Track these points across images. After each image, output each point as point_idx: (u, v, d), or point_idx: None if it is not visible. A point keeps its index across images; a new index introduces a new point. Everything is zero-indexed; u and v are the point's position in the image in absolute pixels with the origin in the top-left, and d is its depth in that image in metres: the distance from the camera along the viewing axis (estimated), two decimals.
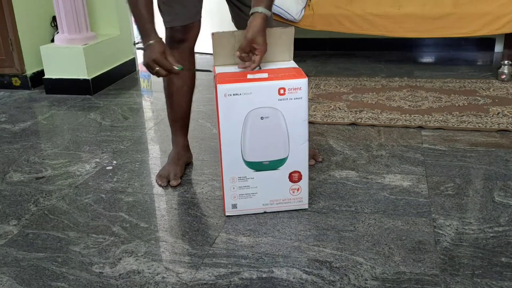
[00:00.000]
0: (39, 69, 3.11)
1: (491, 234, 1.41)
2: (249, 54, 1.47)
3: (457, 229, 1.44)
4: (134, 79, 3.28)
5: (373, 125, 2.24)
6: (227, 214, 1.54)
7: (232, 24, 1.82)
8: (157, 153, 2.08)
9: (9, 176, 1.90)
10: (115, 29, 3.24)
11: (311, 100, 2.60)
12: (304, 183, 1.52)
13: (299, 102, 1.42)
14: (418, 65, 3.32)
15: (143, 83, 3.23)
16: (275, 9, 3.01)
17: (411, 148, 1.99)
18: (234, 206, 1.53)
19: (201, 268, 1.31)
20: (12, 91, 3.08)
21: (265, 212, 1.55)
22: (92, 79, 2.94)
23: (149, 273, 1.30)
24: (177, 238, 1.45)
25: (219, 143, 1.46)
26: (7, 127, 2.45)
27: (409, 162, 1.87)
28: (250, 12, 1.47)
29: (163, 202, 1.67)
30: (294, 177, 1.51)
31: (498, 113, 2.32)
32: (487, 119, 2.25)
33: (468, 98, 2.55)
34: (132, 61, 3.43)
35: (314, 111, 2.42)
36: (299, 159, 1.49)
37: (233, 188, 1.50)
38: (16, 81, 3.09)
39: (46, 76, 2.97)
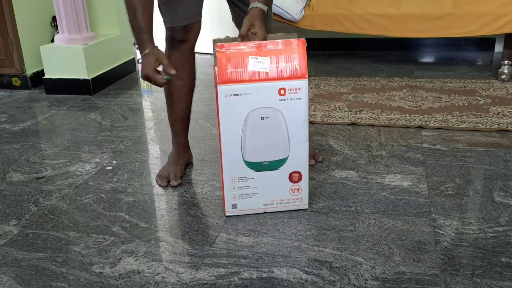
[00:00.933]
0: (39, 69, 3.11)
1: (491, 234, 1.41)
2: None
3: (457, 229, 1.44)
4: (134, 79, 3.28)
5: (373, 125, 2.24)
6: (227, 214, 1.54)
7: (232, 24, 1.82)
8: (157, 153, 2.08)
9: (9, 176, 1.91)
10: (115, 29, 3.24)
11: (311, 100, 2.60)
12: (304, 184, 1.52)
13: (299, 103, 1.42)
14: (418, 65, 3.32)
15: (143, 83, 3.23)
16: (275, 9, 3.02)
17: (411, 148, 1.99)
18: (234, 206, 1.53)
19: (201, 268, 1.31)
20: (12, 91, 3.08)
21: (265, 212, 1.55)
22: (92, 79, 2.94)
23: (149, 273, 1.30)
24: (177, 238, 1.45)
25: (219, 143, 1.46)
26: (7, 127, 2.45)
27: (409, 162, 1.87)
28: (248, 9, 1.52)
29: (163, 202, 1.67)
30: (294, 177, 1.51)
31: (498, 113, 2.32)
32: (487, 119, 2.25)
33: (468, 98, 2.55)
34: (132, 61, 3.43)
35: (314, 111, 2.42)
36: (299, 160, 1.49)
37: (233, 188, 1.50)
38: (16, 81, 3.09)
39: (46, 76, 2.97)
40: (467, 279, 1.23)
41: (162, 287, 1.24)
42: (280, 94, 1.40)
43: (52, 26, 3.24)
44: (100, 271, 1.32)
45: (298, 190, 1.53)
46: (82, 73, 2.92)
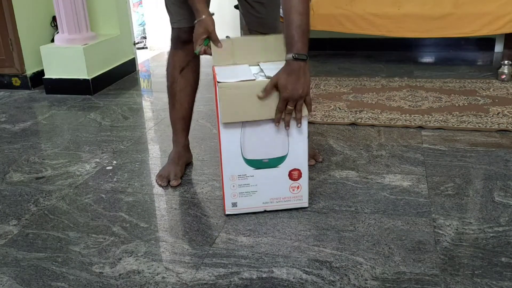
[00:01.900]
0: (39, 69, 3.11)
1: (491, 234, 1.41)
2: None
3: (457, 229, 1.44)
4: (134, 79, 3.28)
5: (373, 125, 2.24)
6: (227, 212, 1.54)
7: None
8: (157, 153, 2.08)
9: (9, 176, 1.90)
10: (115, 29, 3.24)
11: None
12: (304, 181, 1.52)
13: None
14: (418, 65, 3.32)
15: (143, 83, 3.23)
16: None
17: (411, 148, 1.99)
18: (234, 204, 1.53)
19: (201, 268, 1.31)
20: (12, 91, 3.08)
21: (265, 211, 1.55)
22: (92, 79, 2.94)
23: (149, 273, 1.30)
24: (177, 238, 1.45)
25: (219, 141, 1.46)
26: (7, 127, 2.45)
27: (409, 162, 1.87)
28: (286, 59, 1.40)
29: (163, 202, 1.67)
30: (294, 175, 1.51)
31: (498, 113, 2.32)
32: (487, 119, 2.25)
33: (468, 98, 2.55)
34: (132, 61, 3.43)
35: (314, 111, 2.42)
36: (298, 157, 1.49)
37: (233, 186, 1.50)
38: (16, 81, 3.09)
39: (46, 76, 2.98)
40: (467, 279, 1.23)
41: (162, 287, 1.24)
42: None
43: (52, 26, 3.24)
44: (100, 271, 1.32)
45: (298, 188, 1.53)
46: (82, 73, 2.92)
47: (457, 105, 2.46)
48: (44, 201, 1.70)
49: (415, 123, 2.23)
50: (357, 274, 1.26)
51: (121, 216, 1.59)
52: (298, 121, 1.43)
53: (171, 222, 1.54)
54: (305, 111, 1.42)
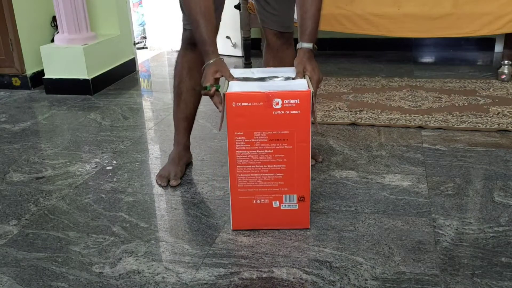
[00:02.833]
0: (39, 69, 3.10)
1: (491, 234, 1.41)
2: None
3: (457, 229, 1.44)
4: (134, 79, 3.28)
5: (373, 125, 2.24)
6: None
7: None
8: (157, 153, 2.08)
9: (9, 176, 1.91)
10: (115, 29, 3.24)
11: None
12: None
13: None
14: (418, 65, 3.32)
15: (143, 83, 3.23)
16: None
17: (411, 148, 1.99)
18: None
19: (201, 268, 1.31)
20: (12, 91, 3.08)
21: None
22: (92, 79, 2.94)
23: (149, 273, 1.30)
24: (177, 238, 1.45)
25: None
26: (7, 127, 2.45)
27: (409, 162, 1.87)
28: (297, 47, 1.52)
29: (163, 202, 1.67)
30: None
31: (498, 113, 2.32)
32: (487, 119, 2.25)
33: (468, 98, 2.55)
34: (132, 61, 3.43)
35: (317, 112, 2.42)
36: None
37: None
38: (16, 81, 3.09)
39: (46, 76, 2.97)
40: (467, 279, 1.23)
41: (162, 287, 1.24)
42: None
43: (52, 26, 3.24)
44: (100, 271, 1.32)
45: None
46: (82, 73, 2.92)
47: (457, 105, 2.46)
48: (44, 201, 1.70)
49: (415, 123, 2.23)
50: (357, 274, 1.26)
51: (121, 216, 1.59)
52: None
53: (171, 222, 1.54)
54: None
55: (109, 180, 1.83)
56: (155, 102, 2.78)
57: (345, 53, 3.65)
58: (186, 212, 1.60)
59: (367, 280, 1.24)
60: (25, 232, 1.52)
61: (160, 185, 1.77)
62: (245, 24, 3.30)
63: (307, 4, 1.52)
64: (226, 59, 1.65)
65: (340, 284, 1.23)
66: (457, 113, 2.34)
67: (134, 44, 3.47)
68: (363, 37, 3.40)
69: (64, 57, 2.91)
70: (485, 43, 3.55)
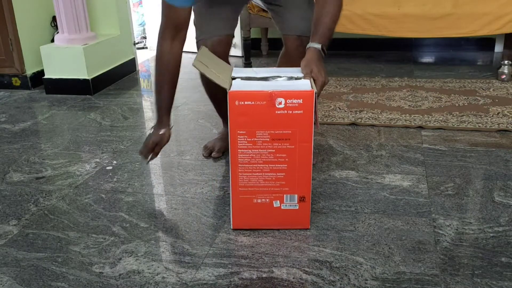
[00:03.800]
0: (39, 69, 3.10)
1: (491, 234, 1.41)
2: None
3: (457, 229, 1.44)
4: (134, 79, 3.28)
5: (373, 125, 2.24)
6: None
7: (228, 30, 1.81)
8: None
9: (9, 176, 1.91)
10: (115, 29, 3.24)
11: None
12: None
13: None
14: (418, 65, 3.32)
15: (143, 83, 3.23)
16: None
17: (411, 148, 1.99)
18: None
19: (201, 268, 1.31)
20: (12, 91, 3.08)
21: None
22: (92, 79, 2.94)
23: (149, 273, 1.30)
24: (177, 238, 1.45)
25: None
26: (7, 127, 2.45)
27: (409, 162, 1.87)
28: (306, 47, 1.51)
29: (163, 202, 1.67)
30: None
31: (498, 113, 2.32)
32: (487, 119, 2.25)
33: (468, 98, 2.55)
34: (132, 61, 3.43)
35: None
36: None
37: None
38: (16, 81, 3.09)
39: (46, 76, 2.97)
40: (467, 279, 1.23)
41: (162, 287, 1.24)
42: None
43: (52, 26, 3.24)
44: (100, 271, 1.32)
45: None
46: (82, 73, 2.92)
47: (457, 105, 2.46)
48: (44, 201, 1.70)
49: (415, 123, 2.23)
50: (357, 274, 1.26)
51: (121, 216, 1.59)
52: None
53: (171, 222, 1.54)
54: None
55: (109, 180, 1.83)
56: None
57: (345, 53, 3.65)
58: (186, 212, 1.60)
59: (367, 280, 1.24)
60: (25, 232, 1.52)
61: (202, 155, 1.97)
62: (245, 24, 3.30)
63: (326, 8, 1.52)
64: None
65: (340, 284, 1.23)
66: (457, 113, 2.34)
67: (134, 44, 3.47)
68: (363, 37, 3.40)
69: (64, 57, 2.91)
70: (485, 43, 3.55)
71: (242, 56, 3.48)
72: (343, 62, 3.42)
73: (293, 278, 1.25)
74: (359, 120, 2.30)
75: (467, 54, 3.53)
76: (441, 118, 2.28)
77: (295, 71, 1.47)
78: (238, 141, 1.36)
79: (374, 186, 1.71)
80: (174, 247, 1.41)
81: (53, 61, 2.94)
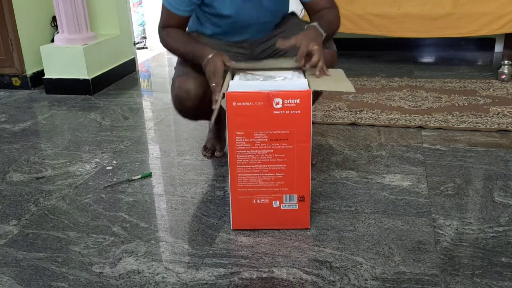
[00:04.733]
0: (39, 69, 3.11)
1: (491, 234, 1.41)
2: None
3: (457, 229, 1.44)
4: (134, 79, 3.28)
5: (373, 125, 2.24)
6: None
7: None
8: (157, 153, 2.08)
9: (9, 176, 1.90)
10: (115, 29, 3.24)
11: None
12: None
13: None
14: (418, 65, 3.32)
15: (143, 83, 3.23)
16: None
17: (411, 148, 1.99)
18: None
19: (201, 268, 1.31)
20: (12, 91, 3.08)
21: None
22: (92, 79, 2.94)
23: (149, 273, 1.30)
24: (177, 238, 1.45)
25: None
26: (7, 127, 2.45)
27: (409, 162, 1.87)
28: (305, 26, 1.52)
29: (163, 202, 1.67)
30: None
31: (498, 113, 2.32)
32: (487, 119, 2.25)
33: (468, 98, 2.55)
34: (132, 61, 3.43)
35: (314, 111, 2.42)
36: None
37: None
38: (16, 81, 3.09)
39: (46, 76, 2.97)
40: (467, 279, 1.23)
41: (162, 287, 1.24)
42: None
43: (52, 26, 3.24)
44: (100, 271, 1.32)
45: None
46: (82, 73, 2.92)
47: (457, 105, 2.46)
48: (44, 201, 1.70)
49: (415, 123, 2.23)
50: (357, 274, 1.26)
51: (121, 216, 1.59)
52: (322, 70, 1.43)
53: (171, 222, 1.54)
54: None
55: (109, 180, 1.83)
56: (155, 102, 2.78)
57: (345, 53, 3.64)
58: (186, 212, 1.59)
59: (367, 280, 1.24)
60: (25, 232, 1.52)
61: (205, 156, 1.97)
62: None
63: (323, 13, 1.59)
64: None
65: (340, 284, 1.23)
66: (457, 113, 2.34)
67: (134, 44, 3.47)
68: (363, 37, 3.40)
69: (64, 57, 2.91)
70: (485, 43, 3.55)
71: None
72: (343, 62, 3.42)
73: (293, 278, 1.25)
74: (359, 120, 2.30)
75: (467, 54, 3.52)
76: (441, 118, 2.28)
77: (291, 74, 1.46)
78: (237, 142, 1.36)
79: (374, 186, 1.71)
80: (174, 247, 1.41)
81: (53, 61, 2.94)
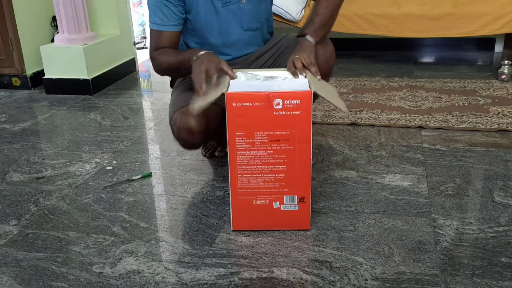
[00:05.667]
0: (39, 69, 3.11)
1: (491, 234, 1.41)
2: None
3: (457, 229, 1.44)
4: (134, 79, 3.28)
5: (373, 125, 2.24)
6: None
7: None
8: (157, 153, 2.08)
9: (9, 176, 1.90)
10: (115, 29, 3.24)
11: None
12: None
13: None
14: (418, 65, 3.32)
15: (143, 83, 3.23)
16: (275, 9, 3.01)
17: (411, 148, 1.99)
18: None
19: (201, 268, 1.31)
20: (12, 91, 3.08)
21: None
22: (92, 79, 2.94)
23: (149, 273, 1.30)
24: (177, 238, 1.45)
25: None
26: (7, 127, 2.45)
27: (409, 162, 1.87)
28: (296, 35, 1.55)
29: (163, 202, 1.67)
30: None
31: (498, 113, 2.32)
32: (487, 119, 2.25)
33: (468, 98, 2.55)
34: (132, 61, 3.43)
35: (314, 111, 2.42)
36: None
37: None
38: (16, 81, 3.09)
39: (46, 76, 2.97)
40: (467, 279, 1.23)
41: (162, 287, 1.24)
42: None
43: (52, 26, 3.24)
44: (100, 271, 1.32)
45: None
46: (82, 73, 2.92)
47: (457, 105, 2.46)
48: (44, 201, 1.70)
49: (415, 123, 2.23)
50: (357, 274, 1.26)
51: (121, 216, 1.59)
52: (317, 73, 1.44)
53: (171, 222, 1.54)
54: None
55: (109, 180, 1.83)
56: (155, 102, 2.78)
57: (345, 53, 3.64)
58: (186, 212, 1.59)
59: (367, 280, 1.24)
60: (25, 232, 1.52)
61: (205, 156, 1.96)
62: None
63: (317, 8, 1.57)
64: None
65: (340, 284, 1.23)
66: (457, 113, 2.34)
67: (134, 44, 3.47)
68: (363, 37, 3.40)
69: (64, 57, 2.91)
70: (485, 43, 3.55)
71: None
72: (343, 62, 3.42)
73: (293, 278, 1.25)
74: (359, 120, 2.30)
75: (467, 54, 3.52)
76: (441, 118, 2.28)
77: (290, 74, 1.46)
78: (237, 143, 1.36)
79: (374, 186, 1.71)
80: (174, 247, 1.41)
81: (53, 61, 2.94)
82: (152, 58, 1.62)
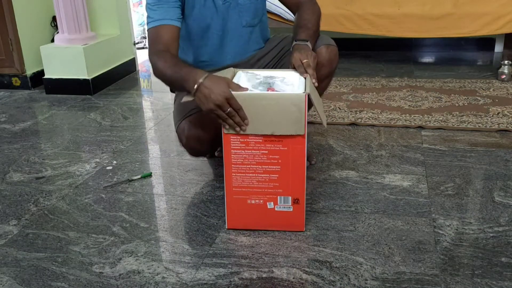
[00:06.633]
0: (39, 69, 3.11)
1: (491, 234, 1.41)
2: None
3: (457, 229, 1.44)
4: (134, 79, 3.28)
5: (373, 125, 2.24)
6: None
7: None
8: (157, 153, 2.08)
9: (9, 176, 1.90)
10: (115, 29, 3.24)
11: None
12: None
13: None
14: (418, 65, 3.32)
15: (143, 83, 3.23)
16: (275, 9, 3.01)
17: (411, 148, 1.99)
18: None
19: (201, 268, 1.31)
20: (12, 91, 3.08)
21: None
22: (92, 79, 2.94)
23: (149, 273, 1.30)
24: (177, 238, 1.45)
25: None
26: (7, 127, 2.45)
27: (409, 162, 1.87)
28: (294, 41, 1.53)
29: (163, 202, 1.67)
30: None
31: (498, 113, 2.32)
32: (487, 119, 2.25)
33: (468, 98, 2.55)
34: (132, 61, 3.43)
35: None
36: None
37: None
38: (16, 81, 3.09)
39: (46, 76, 2.97)
40: (467, 279, 1.23)
41: (162, 287, 1.24)
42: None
43: (52, 26, 3.24)
44: (100, 271, 1.32)
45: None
46: (82, 73, 2.92)
47: (457, 105, 2.46)
48: (44, 201, 1.70)
49: (415, 123, 2.23)
50: (357, 274, 1.26)
51: (121, 216, 1.59)
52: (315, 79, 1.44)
53: (171, 222, 1.54)
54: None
55: (109, 180, 1.83)
56: (155, 102, 2.78)
57: (345, 53, 3.63)
58: (186, 212, 1.60)
59: (367, 280, 1.24)
60: (25, 232, 1.52)
61: (205, 157, 1.92)
62: None
63: (305, 15, 1.59)
64: None
65: (340, 284, 1.23)
66: (457, 113, 2.34)
67: (134, 44, 3.47)
68: (363, 37, 3.40)
69: (64, 57, 2.91)
70: (485, 43, 3.54)
71: None
72: (343, 62, 3.41)
73: (293, 278, 1.25)
74: (359, 120, 2.30)
75: (467, 54, 3.52)
76: (441, 118, 2.28)
77: (289, 75, 1.46)
78: (231, 142, 1.36)
79: (374, 186, 1.71)
80: (174, 247, 1.41)
81: (53, 61, 2.94)
82: (151, 62, 1.51)
